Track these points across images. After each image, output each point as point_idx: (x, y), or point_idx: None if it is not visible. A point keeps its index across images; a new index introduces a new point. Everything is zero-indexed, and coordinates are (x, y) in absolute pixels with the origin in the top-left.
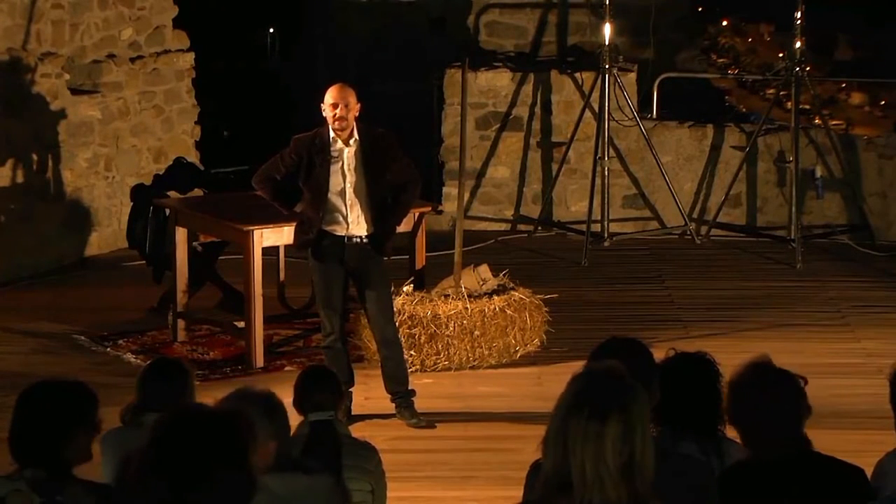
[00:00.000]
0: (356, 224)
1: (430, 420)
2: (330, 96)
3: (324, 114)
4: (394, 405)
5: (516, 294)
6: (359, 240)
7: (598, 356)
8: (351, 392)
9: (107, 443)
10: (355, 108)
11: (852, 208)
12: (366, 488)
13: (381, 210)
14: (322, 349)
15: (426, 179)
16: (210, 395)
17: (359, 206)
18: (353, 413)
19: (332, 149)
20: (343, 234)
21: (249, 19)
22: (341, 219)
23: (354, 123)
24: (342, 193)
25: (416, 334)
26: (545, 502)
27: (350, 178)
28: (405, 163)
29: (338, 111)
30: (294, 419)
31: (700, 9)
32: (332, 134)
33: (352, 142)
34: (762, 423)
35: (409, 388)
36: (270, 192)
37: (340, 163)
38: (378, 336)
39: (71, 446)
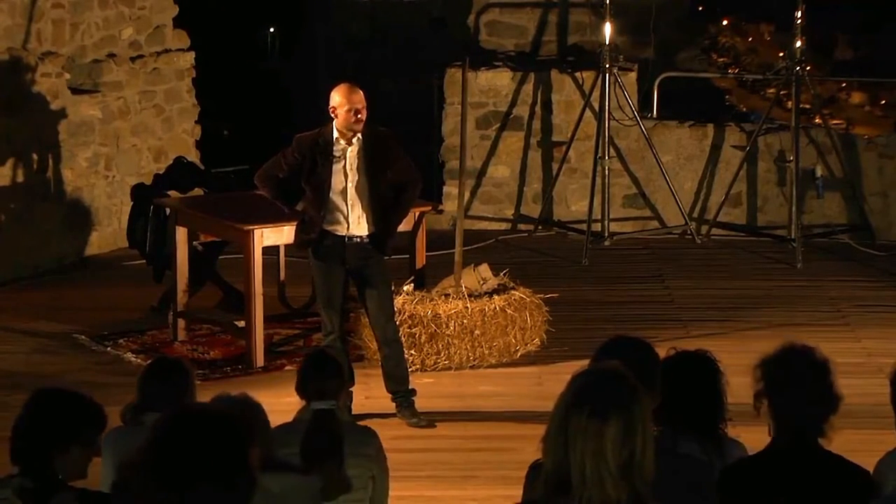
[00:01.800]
0: (357, 224)
1: (430, 419)
2: (346, 100)
3: (332, 114)
4: (394, 404)
5: (516, 293)
6: (359, 239)
7: (603, 354)
8: (351, 391)
9: (107, 442)
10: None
11: (853, 208)
12: (366, 474)
13: (383, 210)
14: (322, 348)
15: (426, 179)
16: (210, 395)
17: (360, 206)
18: (353, 412)
19: (334, 148)
20: (343, 234)
21: (250, 19)
22: (342, 218)
23: None
24: (344, 193)
25: (416, 334)
26: (545, 501)
27: (352, 177)
28: (406, 162)
29: (359, 115)
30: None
31: (700, 8)
32: (335, 133)
33: (354, 141)
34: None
35: (410, 387)
36: (272, 191)
37: (343, 162)
38: (378, 335)
39: (63, 459)
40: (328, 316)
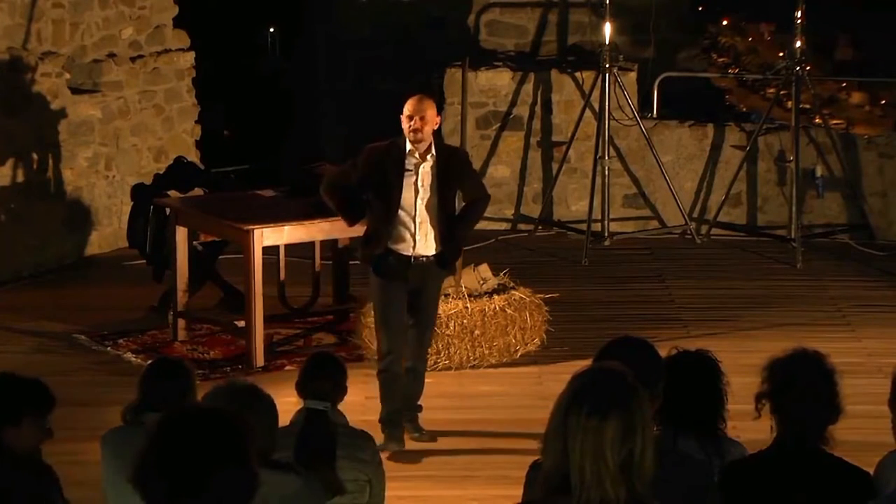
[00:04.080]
0: (423, 242)
1: (433, 434)
2: (407, 107)
3: (403, 124)
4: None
5: (516, 293)
6: (424, 259)
7: (606, 354)
8: (403, 419)
9: (107, 442)
10: (433, 121)
11: (852, 208)
12: (361, 478)
13: (449, 228)
14: (377, 373)
15: None
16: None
17: (427, 224)
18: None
19: (407, 161)
20: (409, 254)
21: (250, 18)
22: (408, 236)
23: (432, 139)
24: (412, 209)
25: None
26: (545, 501)
27: (423, 194)
28: (477, 180)
29: (413, 123)
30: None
31: (700, 8)
32: (409, 146)
33: (429, 157)
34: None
35: (418, 403)
36: (338, 201)
37: (415, 177)
38: (408, 354)
39: (14, 433)
40: (386, 337)
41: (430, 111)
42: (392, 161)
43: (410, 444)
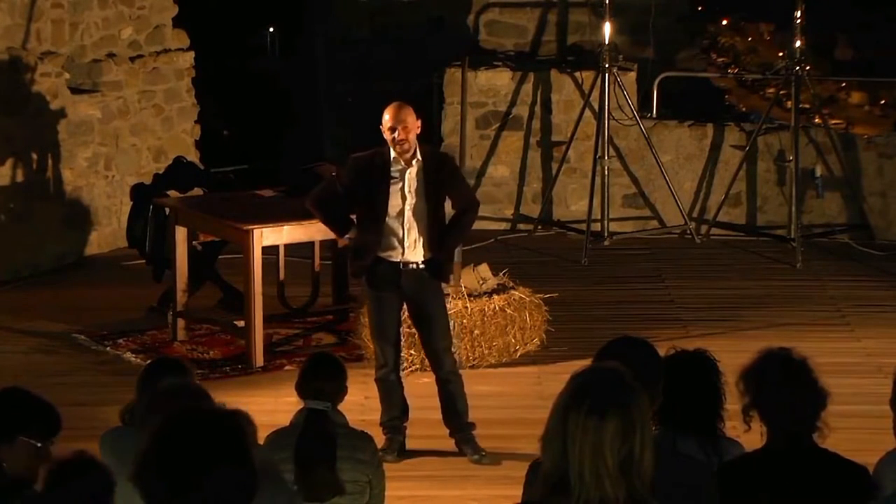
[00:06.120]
0: (412, 249)
1: (495, 456)
2: (387, 118)
3: (384, 135)
4: (453, 440)
5: (516, 293)
6: (415, 266)
7: (605, 354)
8: (405, 427)
9: (105, 442)
10: (415, 127)
11: (852, 207)
12: (361, 479)
13: (440, 234)
14: (375, 381)
15: None
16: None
17: (416, 230)
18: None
19: (392, 169)
20: (398, 261)
21: (249, 18)
22: (396, 243)
23: (417, 143)
24: (400, 216)
25: (415, 333)
26: (545, 501)
27: (410, 200)
28: (466, 186)
29: (396, 134)
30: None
31: (700, 8)
32: (392, 154)
33: (414, 162)
34: (784, 410)
35: (469, 420)
36: (324, 215)
37: (401, 184)
38: (434, 368)
39: (9, 451)
40: (381, 348)
41: (410, 118)
42: (377, 170)
43: (410, 444)
